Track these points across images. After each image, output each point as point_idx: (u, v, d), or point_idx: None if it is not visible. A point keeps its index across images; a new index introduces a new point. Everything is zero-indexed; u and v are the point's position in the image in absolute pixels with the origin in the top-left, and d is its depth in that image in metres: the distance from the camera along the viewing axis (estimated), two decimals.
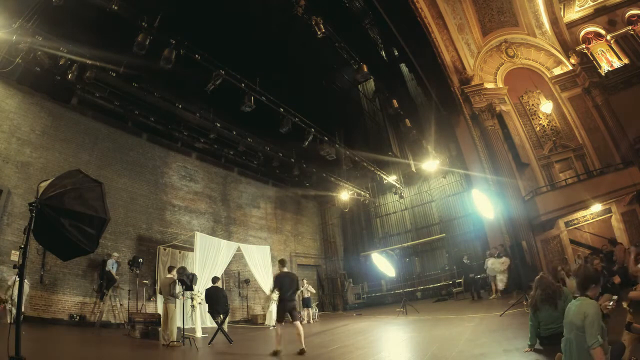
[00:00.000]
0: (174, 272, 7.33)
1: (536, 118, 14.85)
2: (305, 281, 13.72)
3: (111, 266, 9.49)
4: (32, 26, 7.54)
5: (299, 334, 5.67)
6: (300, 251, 18.00)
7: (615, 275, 7.34)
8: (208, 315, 9.03)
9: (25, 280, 5.34)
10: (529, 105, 15.06)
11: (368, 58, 12.04)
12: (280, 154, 13.87)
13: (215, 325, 8.14)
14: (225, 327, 8.28)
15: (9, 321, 6.08)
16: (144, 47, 7.49)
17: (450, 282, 15.31)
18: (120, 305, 9.81)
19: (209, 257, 10.65)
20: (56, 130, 10.03)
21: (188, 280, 7.14)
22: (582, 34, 15.41)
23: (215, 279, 8.55)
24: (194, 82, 9.66)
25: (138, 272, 10.20)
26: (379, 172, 16.35)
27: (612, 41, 14.78)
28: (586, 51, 14.80)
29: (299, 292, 9.50)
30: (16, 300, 2.75)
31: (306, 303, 12.77)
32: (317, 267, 18.91)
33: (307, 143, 12.02)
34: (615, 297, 3.01)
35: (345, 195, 17.61)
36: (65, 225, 2.92)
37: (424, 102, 16.92)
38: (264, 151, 13.73)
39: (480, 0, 14.86)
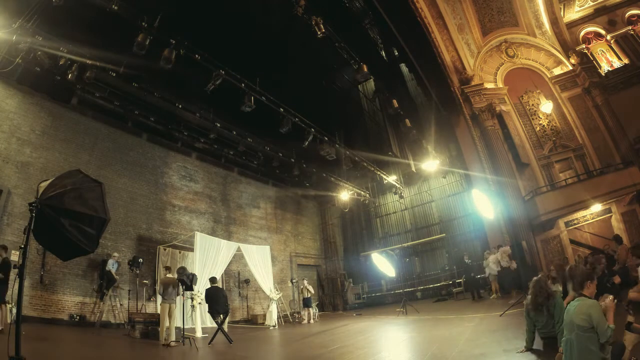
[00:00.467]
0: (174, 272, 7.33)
1: (536, 118, 14.83)
2: (305, 281, 13.74)
3: (111, 266, 9.47)
4: (32, 26, 7.54)
5: None
6: (300, 251, 18.00)
7: (616, 275, 7.33)
8: (208, 315, 9.02)
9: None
10: (529, 105, 15.05)
11: (368, 58, 12.05)
12: (280, 154, 13.87)
13: (215, 325, 8.13)
14: (225, 327, 8.27)
15: (8, 321, 6.07)
16: (144, 47, 7.50)
17: (450, 282, 15.32)
18: (120, 305, 9.80)
19: (209, 257, 10.64)
20: (56, 130, 10.02)
21: (188, 280, 7.15)
22: (582, 34, 15.40)
23: (213, 280, 8.51)
24: (194, 82, 9.67)
25: (138, 272, 10.19)
26: (379, 172, 16.35)
27: (612, 41, 14.76)
28: (586, 51, 14.79)
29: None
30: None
31: (306, 303, 12.79)
32: (317, 267, 18.92)
33: (307, 143, 12.03)
34: (611, 297, 3.03)
35: (345, 195, 17.61)
36: (65, 225, 2.92)
37: (424, 102, 16.93)
38: (264, 151, 13.73)
39: (480, 0, 14.87)
